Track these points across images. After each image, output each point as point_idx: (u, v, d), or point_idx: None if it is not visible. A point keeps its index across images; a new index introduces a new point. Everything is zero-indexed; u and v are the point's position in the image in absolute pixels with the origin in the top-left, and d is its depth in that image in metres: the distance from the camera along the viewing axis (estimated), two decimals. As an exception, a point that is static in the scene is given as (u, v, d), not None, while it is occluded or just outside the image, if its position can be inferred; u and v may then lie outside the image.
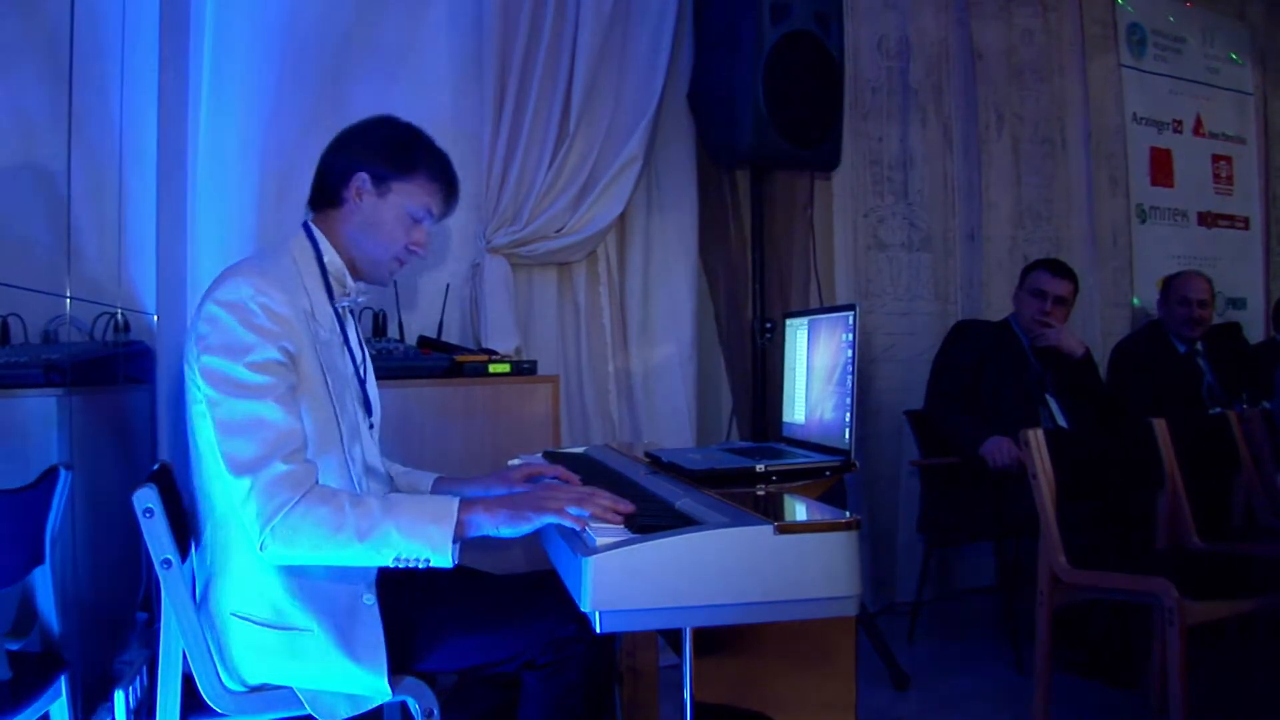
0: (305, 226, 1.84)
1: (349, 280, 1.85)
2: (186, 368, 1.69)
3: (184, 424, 1.74)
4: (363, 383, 1.88)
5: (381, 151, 1.82)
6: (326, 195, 1.84)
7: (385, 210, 1.81)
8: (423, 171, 1.83)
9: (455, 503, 1.61)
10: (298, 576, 1.66)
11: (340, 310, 1.83)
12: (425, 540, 1.56)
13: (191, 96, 2.84)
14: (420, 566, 1.58)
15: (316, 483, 1.60)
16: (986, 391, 3.60)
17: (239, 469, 1.56)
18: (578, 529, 1.55)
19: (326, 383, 1.71)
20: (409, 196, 1.82)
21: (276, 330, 1.62)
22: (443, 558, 1.57)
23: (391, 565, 1.58)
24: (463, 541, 1.59)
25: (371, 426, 1.90)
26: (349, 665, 1.65)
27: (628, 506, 1.61)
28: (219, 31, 2.83)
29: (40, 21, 2.75)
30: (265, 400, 1.59)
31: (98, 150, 2.80)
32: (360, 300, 1.90)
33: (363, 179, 1.80)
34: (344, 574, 1.68)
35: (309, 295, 1.74)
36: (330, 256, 1.82)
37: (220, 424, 1.59)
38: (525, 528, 1.61)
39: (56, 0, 2.72)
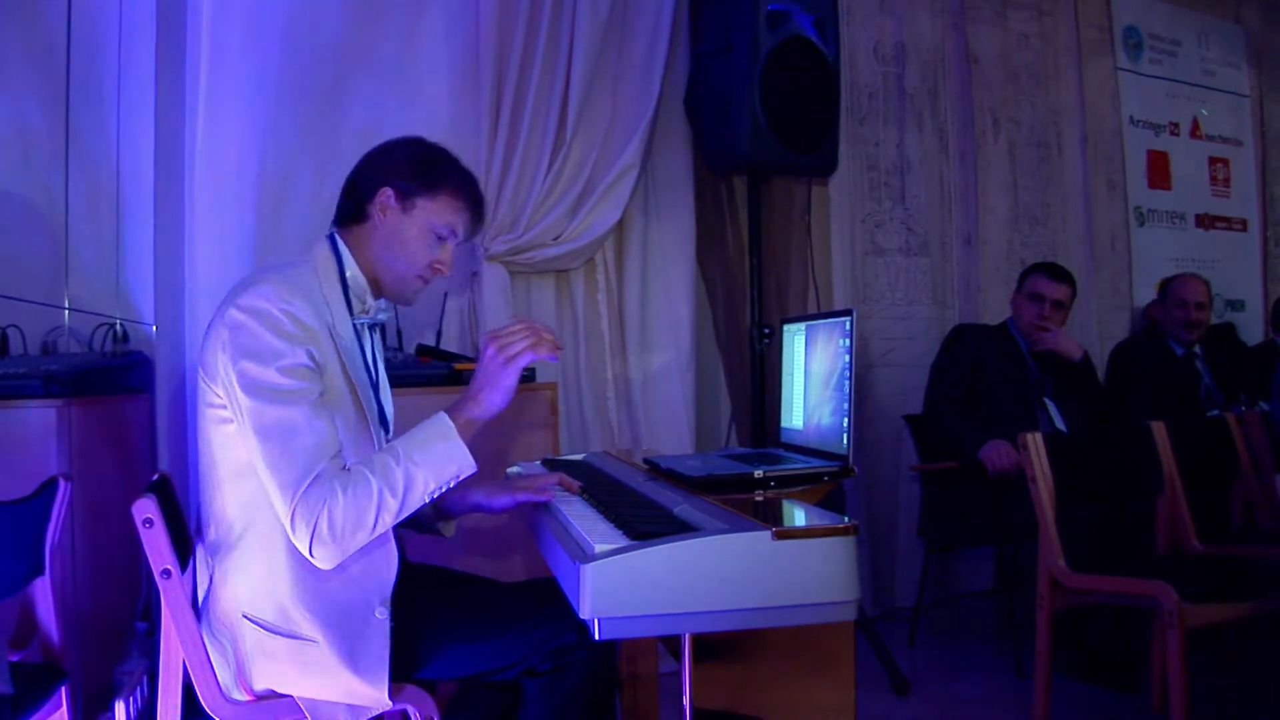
0: (330, 239, 1.84)
1: (369, 298, 1.85)
2: (203, 374, 1.69)
3: (184, 433, 1.75)
4: (379, 398, 1.88)
5: (408, 167, 1.83)
6: (352, 211, 1.84)
7: (409, 226, 1.82)
8: (448, 189, 1.84)
9: (445, 416, 1.70)
10: (313, 585, 1.67)
11: (359, 327, 1.82)
12: (448, 460, 1.66)
13: (188, 109, 2.84)
14: (454, 485, 1.68)
15: (337, 472, 1.62)
16: (985, 395, 3.61)
17: (282, 484, 1.59)
18: (552, 359, 1.73)
19: (354, 392, 1.73)
20: (433, 213, 1.82)
21: (302, 336, 1.64)
22: (468, 466, 1.68)
23: (429, 500, 1.66)
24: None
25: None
26: (351, 679, 1.65)
27: (558, 345, 1.77)
28: (215, 44, 2.83)
29: (37, 35, 2.76)
30: (301, 406, 1.61)
31: (95, 162, 2.82)
32: (380, 318, 1.90)
33: (388, 194, 1.81)
34: (361, 587, 1.68)
35: (330, 308, 1.74)
36: (353, 271, 1.82)
37: (259, 431, 1.61)
38: (508, 388, 1.73)
39: (53, 14, 2.74)
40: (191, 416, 1.84)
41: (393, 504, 1.61)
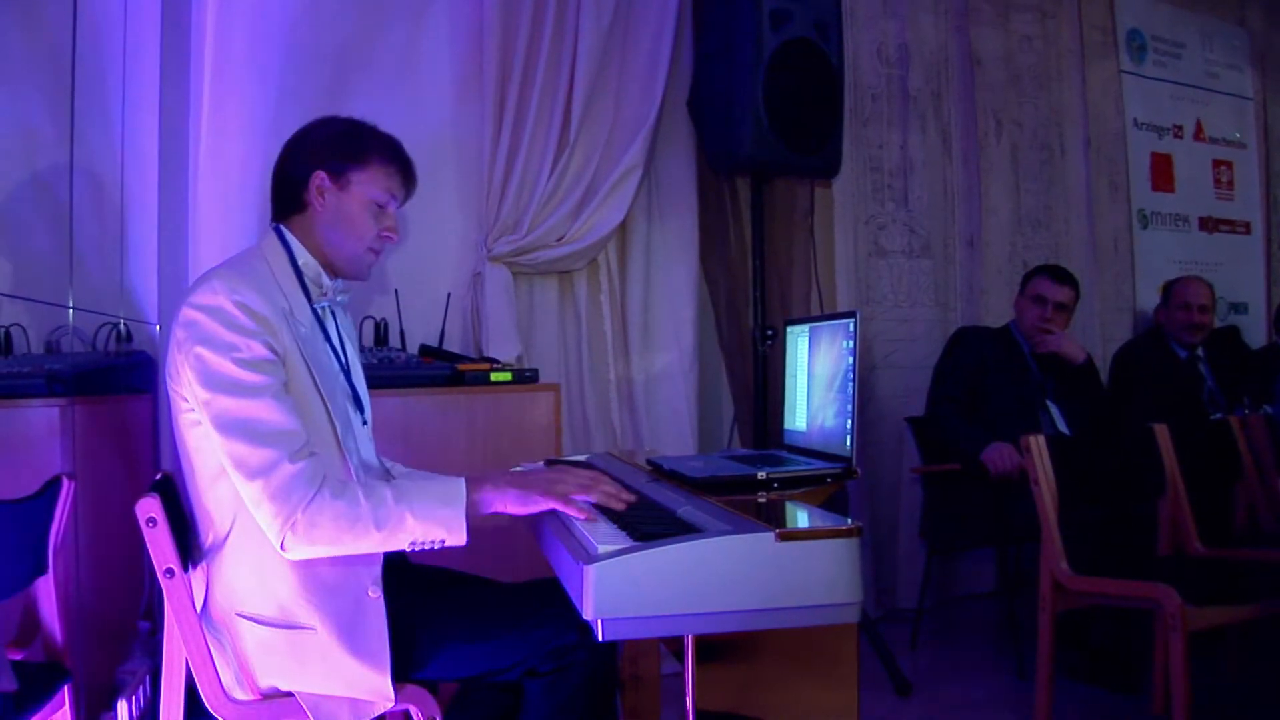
0: (276, 230, 1.85)
1: (325, 280, 1.85)
2: (169, 379, 1.70)
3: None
4: (350, 380, 1.88)
5: (332, 146, 1.84)
6: (289, 203, 1.85)
7: (350, 203, 1.83)
8: (376, 157, 1.85)
9: (462, 483, 1.66)
10: (303, 572, 1.67)
11: (319, 310, 1.83)
12: (439, 523, 1.62)
13: (192, 108, 2.85)
14: (436, 548, 1.63)
15: (326, 476, 1.61)
16: (987, 398, 3.60)
17: (250, 474, 1.58)
18: (580, 519, 1.61)
19: (314, 380, 1.72)
20: (369, 184, 1.84)
21: (258, 329, 1.64)
22: (457, 538, 1.63)
23: (408, 550, 1.63)
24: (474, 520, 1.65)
25: (365, 423, 1.90)
26: (353, 664, 1.65)
27: (630, 497, 1.69)
28: (219, 44, 2.84)
29: (42, 34, 2.76)
30: (263, 399, 1.61)
31: (99, 161, 2.82)
32: (340, 300, 1.90)
33: (321, 177, 1.82)
34: (350, 567, 1.68)
35: (286, 296, 1.75)
36: (305, 259, 1.83)
37: (220, 426, 1.60)
38: (532, 509, 1.69)
39: (58, 14, 2.74)
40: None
41: (374, 536, 1.61)
